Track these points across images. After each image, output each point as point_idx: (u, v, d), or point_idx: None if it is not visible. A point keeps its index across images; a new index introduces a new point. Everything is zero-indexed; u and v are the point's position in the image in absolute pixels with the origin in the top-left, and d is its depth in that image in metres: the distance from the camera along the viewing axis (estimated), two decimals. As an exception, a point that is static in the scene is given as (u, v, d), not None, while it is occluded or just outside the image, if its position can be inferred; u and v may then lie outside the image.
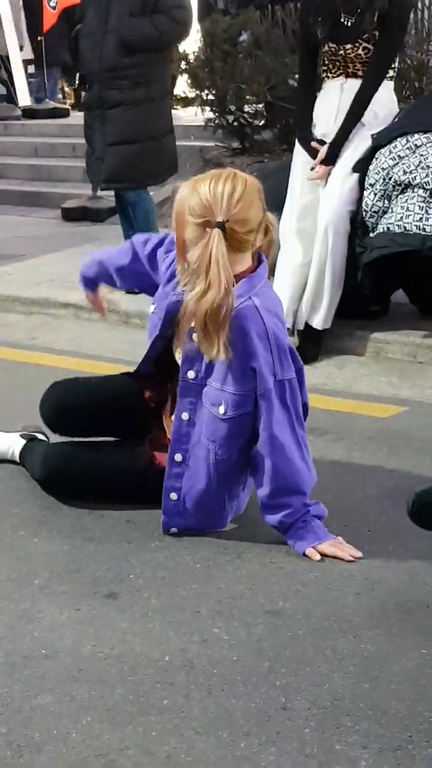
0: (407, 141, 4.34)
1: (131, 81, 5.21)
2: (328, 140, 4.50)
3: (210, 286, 2.53)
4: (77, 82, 9.96)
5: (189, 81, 7.39)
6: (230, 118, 7.54)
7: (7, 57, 11.42)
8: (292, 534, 2.75)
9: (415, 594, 2.53)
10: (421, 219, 4.25)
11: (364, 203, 4.43)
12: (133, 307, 5.22)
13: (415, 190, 4.28)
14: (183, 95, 7.52)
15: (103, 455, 3.02)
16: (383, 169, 4.36)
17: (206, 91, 7.42)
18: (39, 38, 11.57)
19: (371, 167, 4.41)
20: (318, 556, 2.69)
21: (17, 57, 11.53)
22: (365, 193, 4.42)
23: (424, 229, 4.24)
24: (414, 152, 4.32)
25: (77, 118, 10.49)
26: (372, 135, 4.47)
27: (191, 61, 7.40)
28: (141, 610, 2.46)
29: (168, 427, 2.92)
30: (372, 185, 4.39)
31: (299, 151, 4.66)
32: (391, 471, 3.30)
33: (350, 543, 2.74)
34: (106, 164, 5.33)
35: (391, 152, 4.36)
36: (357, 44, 4.37)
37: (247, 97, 7.28)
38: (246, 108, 7.47)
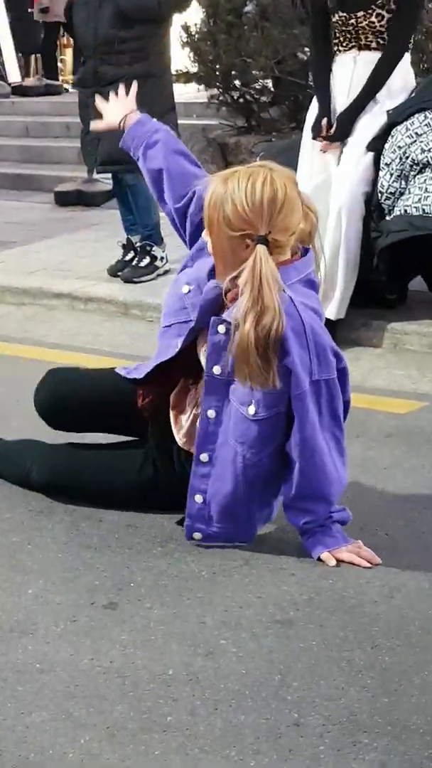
0: (425, 117, 4.34)
1: (128, 55, 5.20)
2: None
3: (265, 311, 2.49)
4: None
5: (191, 55, 7.37)
6: (235, 94, 7.53)
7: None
8: (309, 537, 2.74)
9: (436, 602, 2.52)
10: (440, 201, 4.25)
11: (379, 184, 4.42)
12: (131, 297, 5.23)
13: (434, 169, 4.28)
14: (184, 70, 7.50)
15: (106, 460, 3.02)
16: (400, 147, 4.35)
17: (209, 66, 7.40)
18: (29, 10, 11.58)
19: (387, 145, 4.40)
20: (333, 562, 2.69)
21: (6, 31, 11.54)
22: (381, 173, 4.42)
23: (443, 212, 4.24)
24: (433, 129, 4.32)
25: (71, 95, 10.50)
26: (387, 111, 4.46)
27: (193, 33, 7.39)
28: (142, 621, 2.46)
29: (177, 428, 2.89)
30: (388, 165, 4.39)
31: (309, 130, 4.65)
32: (410, 470, 3.30)
33: (367, 547, 2.74)
34: (102, 145, 5.31)
35: (408, 129, 4.35)
36: (369, 11, 4.36)
37: (254, 71, 7.27)
38: (252, 83, 7.46)
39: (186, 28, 7.34)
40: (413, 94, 4.52)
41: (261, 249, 2.52)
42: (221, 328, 2.65)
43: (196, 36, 7.31)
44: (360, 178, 4.45)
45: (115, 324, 5.08)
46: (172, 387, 2.93)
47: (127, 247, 5.63)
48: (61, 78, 12.43)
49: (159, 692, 2.19)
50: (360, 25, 4.41)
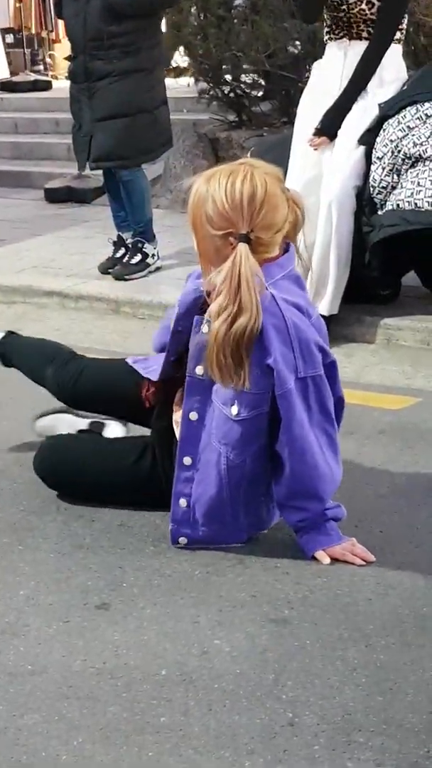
0: (417, 110, 4.34)
1: (119, 50, 5.19)
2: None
3: (242, 310, 2.48)
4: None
5: (181, 49, 7.36)
6: (226, 88, 7.52)
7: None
8: (303, 535, 2.75)
9: (431, 599, 2.52)
10: (433, 194, 4.25)
11: (371, 178, 4.42)
12: (123, 295, 5.23)
13: (427, 163, 4.28)
14: (174, 65, 7.50)
15: (104, 453, 3.03)
16: (392, 141, 4.35)
17: (199, 60, 7.40)
18: (17, 5, 11.56)
19: (379, 139, 4.41)
20: (327, 560, 2.69)
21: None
22: (372, 167, 4.42)
23: (436, 206, 4.24)
24: (425, 122, 4.32)
25: (60, 91, 10.49)
26: (379, 104, 4.46)
27: (182, 27, 7.38)
28: (135, 621, 2.46)
29: (177, 426, 2.89)
30: (380, 158, 4.39)
31: (300, 124, 4.65)
32: (404, 467, 3.30)
33: (361, 545, 2.74)
34: (95, 141, 5.31)
35: (400, 123, 4.35)
36: None
37: (244, 66, 7.27)
38: (243, 78, 7.45)
39: (174, 23, 7.33)
40: (405, 87, 4.52)
41: (242, 247, 2.51)
42: (204, 328, 2.63)
43: (186, 30, 7.29)
44: (351, 172, 4.46)
45: (106, 322, 5.08)
46: (179, 382, 2.93)
47: (118, 243, 5.62)
48: (50, 73, 12.42)
49: (152, 693, 2.19)
50: (351, 12, 4.41)
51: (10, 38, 12.43)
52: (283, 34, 7.02)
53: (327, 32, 4.57)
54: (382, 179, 4.39)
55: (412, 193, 4.29)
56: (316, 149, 4.51)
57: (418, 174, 4.30)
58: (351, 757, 1.99)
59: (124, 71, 5.22)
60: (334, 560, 2.69)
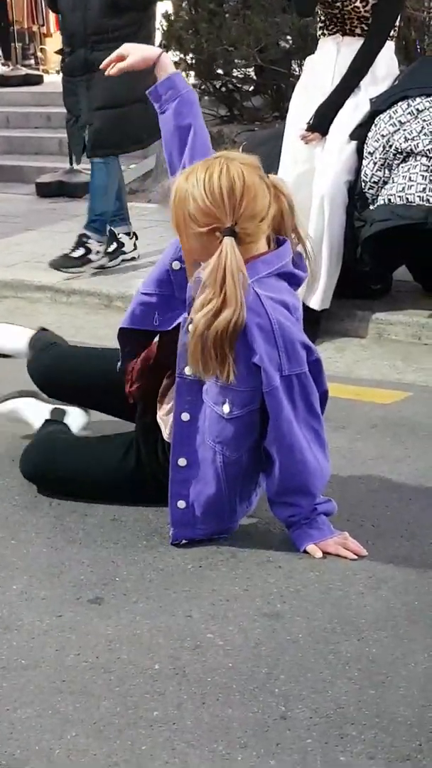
0: (408, 105, 4.34)
1: (118, 42, 5.14)
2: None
3: (226, 304, 2.46)
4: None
5: (167, 43, 7.35)
6: (217, 83, 7.52)
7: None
8: (295, 530, 2.75)
9: (423, 593, 2.53)
10: (424, 190, 4.25)
11: (363, 173, 4.42)
12: (115, 290, 5.22)
13: (418, 158, 4.28)
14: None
15: (89, 451, 3.02)
16: (383, 136, 4.35)
17: (191, 55, 7.39)
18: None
19: (370, 134, 4.41)
20: (320, 554, 2.69)
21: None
22: (364, 162, 4.42)
23: (428, 201, 4.24)
24: (416, 117, 4.32)
25: (52, 85, 10.47)
26: (370, 99, 4.46)
27: (174, 21, 7.37)
28: (128, 616, 2.46)
29: (166, 424, 2.88)
30: (371, 153, 4.39)
31: (292, 119, 4.65)
32: (395, 461, 3.30)
33: (353, 539, 2.74)
34: (92, 129, 5.30)
35: (391, 118, 4.36)
36: None
37: (236, 60, 7.27)
38: (234, 72, 7.45)
39: (167, 16, 7.32)
40: (396, 82, 4.53)
41: (227, 241, 2.48)
42: (191, 328, 2.61)
43: (178, 24, 7.28)
44: (343, 166, 4.46)
45: (98, 317, 5.08)
46: (161, 378, 2.92)
47: (109, 238, 5.61)
48: (41, 67, 12.38)
49: (145, 687, 2.19)
50: (345, 8, 4.41)
51: (1, 32, 12.38)
52: (275, 29, 7.02)
53: (320, 28, 4.57)
54: (373, 174, 4.39)
55: (403, 188, 4.30)
56: (307, 144, 4.51)
57: (409, 169, 4.30)
58: (344, 750, 1.99)
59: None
60: (327, 554, 2.70)
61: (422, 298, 4.81)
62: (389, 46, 4.54)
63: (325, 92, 4.52)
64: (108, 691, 2.18)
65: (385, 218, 4.34)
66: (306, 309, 4.50)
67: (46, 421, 3.25)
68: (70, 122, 5.51)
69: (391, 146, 4.33)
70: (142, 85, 5.30)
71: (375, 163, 4.38)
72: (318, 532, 2.72)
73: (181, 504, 2.75)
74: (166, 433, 2.86)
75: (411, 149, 4.28)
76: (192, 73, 7.51)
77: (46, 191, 7.81)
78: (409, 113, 4.33)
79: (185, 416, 2.70)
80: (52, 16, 12.16)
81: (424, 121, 4.28)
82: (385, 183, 4.39)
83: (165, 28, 7.36)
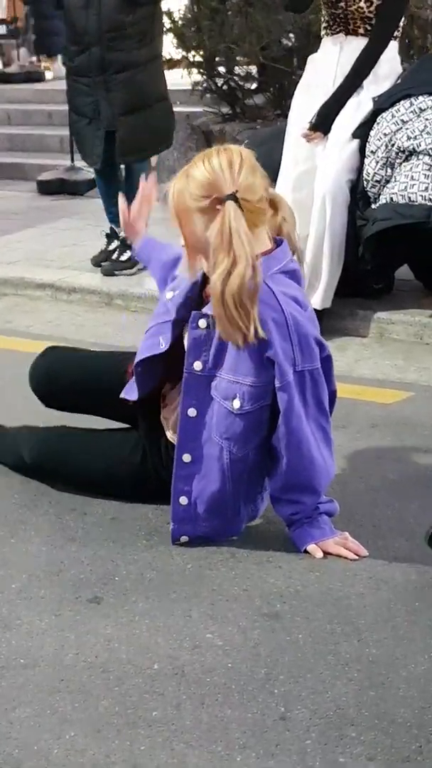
0: (411, 104, 4.33)
1: (135, 39, 5.10)
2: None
3: (237, 261, 2.47)
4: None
5: (174, 41, 7.34)
6: (219, 81, 7.50)
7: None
8: (296, 528, 2.74)
9: (423, 594, 2.53)
10: (426, 189, 4.24)
11: (365, 172, 4.42)
12: (115, 288, 5.22)
13: (420, 157, 4.27)
14: (168, 57, 7.46)
15: (97, 443, 3.02)
16: (385, 134, 4.34)
17: (193, 52, 7.38)
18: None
19: (372, 133, 4.40)
20: (320, 554, 2.69)
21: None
22: (366, 160, 4.41)
23: (430, 199, 4.23)
24: (419, 116, 4.31)
25: (53, 82, 10.47)
26: (373, 98, 4.46)
27: (176, 19, 7.36)
28: (127, 615, 2.45)
29: (169, 423, 2.88)
30: (373, 152, 4.38)
31: (294, 117, 4.64)
32: (396, 461, 3.30)
33: (353, 539, 2.74)
34: (122, 136, 5.19)
35: (393, 116, 4.35)
36: None
37: (238, 58, 7.25)
38: (237, 70, 7.43)
39: (169, 14, 7.30)
40: (399, 81, 4.52)
41: (230, 204, 2.50)
42: (202, 323, 2.63)
43: (180, 22, 7.26)
44: (345, 165, 4.45)
45: (99, 315, 5.07)
46: (162, 383, 2.92)
47: (111, 236, 5.60)
48: (43, 65, 12.37)
49: (144, 687, 2.19)
50: (349, 9, 4.40)
51: (3, 29, 12.38)
52: (277, 27, 6.99)
53: (324, 27, 4.56)
54: (375, 173, 4.39)
55: (405, 187, 4.29)
56: (309, 143, 4.50)
57: (411, 168, 4.29)
58: (343, 751, 1.99)
59: (144, 61, 5.16)
60: (327, 554, 2.69)
61: (424, 297, 4.80)
62: (392, 46, 4.53)
63: (327, 91, 4.51)
64: (107, 691, 2.18)
65: (387, 217, 4.33)
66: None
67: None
68: (79, 123, 5.38)
69: (393, 145, 4.32)
70: (162, 81, 5.32)
71: (377, 162, 4.37)
72: (319, 532, 2.72)
73: (183, 500, 2.74)
74: (169, 433, 2.86)
75: (413, 148, 4.27)
76: (194, 70, 7.50)
77: (47, 188, 7.80)
78: (411, 112, 4.32)
79: (192, 412, 2.69)
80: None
81: (427, 119, 4.27)
82: (387, 182, 4.38)
83: (167, 26, 7.33)
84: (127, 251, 5.47)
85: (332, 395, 2.78)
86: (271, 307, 2.54)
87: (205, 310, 2.64)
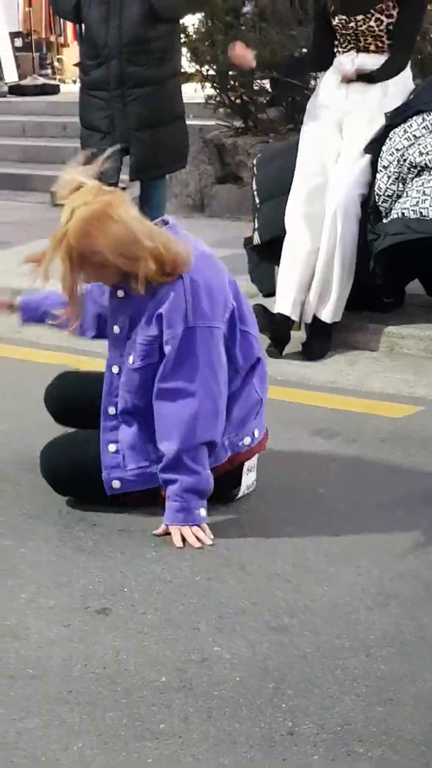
0: (423, 120, 4.33)
1: (155, 55, 5.04)
2: (343, 127, 4.51)
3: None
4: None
5: (188, 55, 7.35)
6: (233, 95, 7.51)
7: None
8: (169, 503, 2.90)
9: (432, 609, 2.51)
10: (438, 204, 4.24)
11: (376, 186, 4.41)
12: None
13: (432, 172, 4.27)
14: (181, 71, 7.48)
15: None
16: (397, 150, 4.34)
17: (206, 66, 7.39)
18: (27, 9, 11.57)
19: (384, 148, 4.40)
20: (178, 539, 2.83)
21: (3, 29, 11.53)
22: (378, 175, 4.41)
23: (441, 215, 4.23)
24: (431, 132, 4.31)
25: (67, 95, 10.50)
26: (385, 113, 4.46)
27: (190, 33, 7.37)
28: (136, 627, 2.44)
29: None
30: (385, 167, 4.38)
31: (307, 130, 4.64)
32: (406, 476, 3.28)
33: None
34: (136, 151, 5.12)
35: (406, 132, 4.35)
36: (369, 16, 4.38)
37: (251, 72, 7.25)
38: (249, 84, 7.43)
39: (183, 28, 7.32)
40: (411, 96, 4.52)
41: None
42: (120, 293, 2.89)
43: (194, 36, 7.27)
44: (357, 180, 4.45)
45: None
46: None
47: None
48: (58, 77, 12.42)
49: (152, 699, 2.18)
50: (359, 28, 4.42)
51: (19, 42, 12.43)
52: (291, 42, 6.99)
53: (335, 45, 4.57)
54: (387, 188, 4.38)
55: (417, 202, 4.28)
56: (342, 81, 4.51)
57: (423, 183, 4.29)
58: (350, 767, 1.97)
59: (164, 77, 5.11)
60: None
61: (434, 312, 4.79)
62: (406, 61, 4.55)
63: (338, 105, 4.52)
64: (114, 703, 2.16)
65: (399, 232, 4.33)
66: (317, 321, 4.52)
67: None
68: (91, 138, 5.23)
69: (405, 160, 4.32)
70: (179, 99, 5.29)
71: (389, 177, 4.37)
72: (182, 515, 2.86)
73: (112, 447, 2.97)
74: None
75: (425, 163, 4.27)
76: (207, 84, 7.51)
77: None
78: (423, 128, 4.32)
79: (115, 368, 2.98)
80: (69, 27, 12.21)
81: (439, 135, 4.28)
82: (399, 197, 4.37)
83: (181, 40, 7.35)
84: None
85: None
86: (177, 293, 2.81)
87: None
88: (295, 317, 4.49)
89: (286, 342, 4.51)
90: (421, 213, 4.26)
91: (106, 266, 2.79)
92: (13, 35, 12.16)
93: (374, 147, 4.45)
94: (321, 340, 4.54)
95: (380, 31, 4.40)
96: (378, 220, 4.45)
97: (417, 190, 4.30)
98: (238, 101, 7.52)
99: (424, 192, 4.27)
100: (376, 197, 4.42)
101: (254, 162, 5.12)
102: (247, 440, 3.01)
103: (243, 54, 4.64)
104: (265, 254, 4.87)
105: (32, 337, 4.85)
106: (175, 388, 2.83)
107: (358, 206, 4.45)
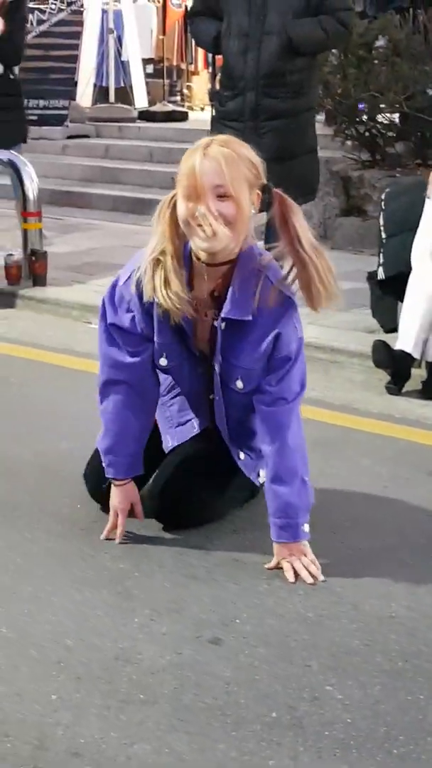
0: None
1: (291, 89, 5.08)
2: None
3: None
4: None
5: (320, 88, 7.39)
6: (361, 128, 7.52)
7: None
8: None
9: None
10: None
11: None
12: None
13: None
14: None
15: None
16: None
17: (337, 99, 7.41)
18: (160, 37, 11.78)
19: None
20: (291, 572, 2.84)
21: (136, 57, 11.75)
22: None
23: None
24: None
25: (195, 122, 10.64)
26: None
27: (322, 66, 7.41)
28: (247, 660, 2.44)
29: None
30: None
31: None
32: None
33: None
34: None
35: None
36: None
37: (381, 105, 7.25)
38: (379, 118, 7.43)
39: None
40: None
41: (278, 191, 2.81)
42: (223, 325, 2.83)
43: (326, 69, 7.30)
44: None
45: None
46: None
47: None
48: (186, 104, 12.61)
49: (262, 734, 2.17)
50: None
51: (150, 68, 12.68)
52: (423, 77, 6.99)
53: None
54: None
55: None
56: None
57: None
58: None
59: (298, 110, 5.14)
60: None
61: None
62: None
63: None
64: (224, 735, 2.16)
65: None
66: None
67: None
68: None
69: None
70: (313, 133, 5.31)
71: None
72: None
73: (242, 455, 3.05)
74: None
75: None
76: (337, 117, 7.54)
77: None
78: None
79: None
80: (200, 55, 12.41)
81: None
82: None
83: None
84: None
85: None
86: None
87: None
88: (416, 355, 4.45)
89: (406, 379, 4.47)
90: None
91: None
92: (145, 62, 12.39)
93: None
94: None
95: None
96: None
97: None
98: (366, 134, 7.53)
99: None
100: None
101: (382, 196, 5.11)
102: None
103: None
104: (389, 289, 4.84)
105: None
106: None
107: None
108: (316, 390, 4.38)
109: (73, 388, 4.41)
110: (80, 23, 11.22)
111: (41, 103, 10.68)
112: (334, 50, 7.00)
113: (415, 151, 7.34)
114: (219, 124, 5.32)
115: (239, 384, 2.86)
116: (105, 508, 3.11)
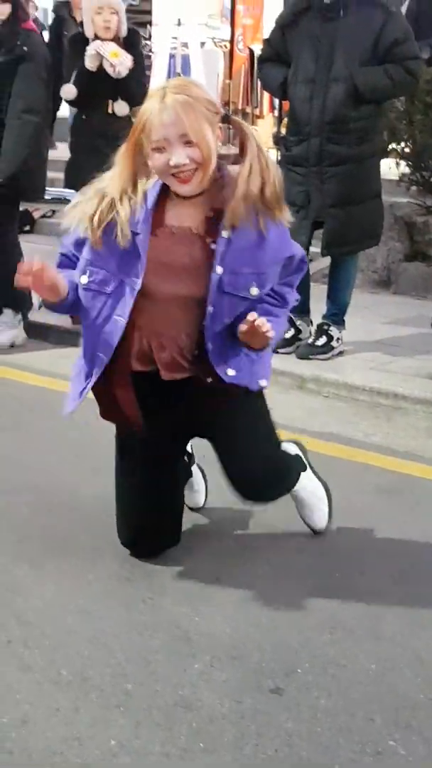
0: None
1: (356, 135, 5.10)
2: None
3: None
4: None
5: (386, 134, 7.39)
6: (426, 173, 7.49)
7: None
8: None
9: None
10: None
11: None
12: (308, 371, 5.22)
13: None
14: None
15: None
16: None
17: (402, 144, 7.41)
18: (227, 81, 11.90)
19: None
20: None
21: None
22: None
23: None
24: None
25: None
26: None
27: (389, 111, 7.41)
28: (309, 711, 2.40)
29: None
30: None
31: None
32: None
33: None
34: (330, 227, 5.21)
35: None
36: None
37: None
38: (445, 164, 7.40)
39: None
40: None
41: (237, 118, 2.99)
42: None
43: (393, 114, 7.30)
44: None
45: (290, 397, 5.07)
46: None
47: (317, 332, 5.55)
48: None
49: (323, 789, 2.13)
50: None
51: (217, 111, 12.79)
52: None
53: None
54: None
55: None
56: None
57: None
58: None
59: (362, 157, 5.17)
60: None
61: None
62: None
63: None
64: (285, 788, 2.13)
65: None
66: None
67: None
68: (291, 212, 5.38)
69: None
70: (377, 179, 5.31)
71: None
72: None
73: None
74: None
75: None
76: (402, 162, 7.52)
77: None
78: None
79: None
80: (266, 99, 12.50)
81: None
82: None
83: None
84: (323, 336, 5.45)
85: None
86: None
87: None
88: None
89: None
90: None
91: None
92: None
93: None
94: None
95: None
96: None
97: None
98: (431, 180, 7.50)
99: None
100: None
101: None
102: None
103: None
104: (454, 336, 4.81)
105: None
106: None
107: None
108: (378, 436, 4.35)
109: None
110: (148, 68, 11.36)
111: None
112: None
113: None
114: (284, 168, 5.34)
115: (253, 291, 2.89)
116: (139, 553, 3.15)
